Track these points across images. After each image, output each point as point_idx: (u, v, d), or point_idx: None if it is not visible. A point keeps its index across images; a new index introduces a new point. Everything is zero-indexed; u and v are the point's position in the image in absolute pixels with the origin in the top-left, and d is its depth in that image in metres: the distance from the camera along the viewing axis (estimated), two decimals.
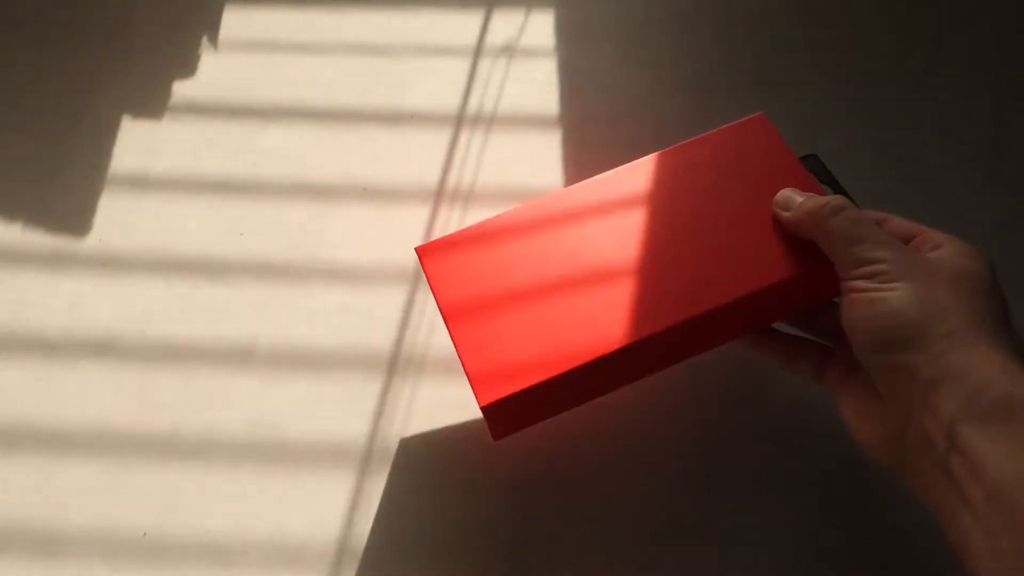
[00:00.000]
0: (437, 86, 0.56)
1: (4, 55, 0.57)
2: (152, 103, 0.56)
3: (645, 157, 0.40)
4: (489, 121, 0.55)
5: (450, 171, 0.53)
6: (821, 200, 0.35)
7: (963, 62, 0.56)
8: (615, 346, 0.35)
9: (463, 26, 0.59)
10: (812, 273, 0.37)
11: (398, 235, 0.50)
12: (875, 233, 0.33)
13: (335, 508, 0.42)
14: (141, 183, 0.53)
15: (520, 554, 0.41)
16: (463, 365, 0.35)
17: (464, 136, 0.54)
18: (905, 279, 0.31)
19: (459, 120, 0.55)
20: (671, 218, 0.38)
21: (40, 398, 0.46)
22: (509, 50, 0.57)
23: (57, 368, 0.47)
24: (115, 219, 0.52)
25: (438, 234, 0.51)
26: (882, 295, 0.31)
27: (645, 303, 0.36)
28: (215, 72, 0.57)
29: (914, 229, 0.36)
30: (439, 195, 0.52)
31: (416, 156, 0.53)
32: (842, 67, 0.56)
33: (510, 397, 0.34)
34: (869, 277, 0.32)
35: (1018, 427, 0.27)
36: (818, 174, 0.40)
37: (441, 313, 0.37)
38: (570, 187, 0.40)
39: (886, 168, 0.52)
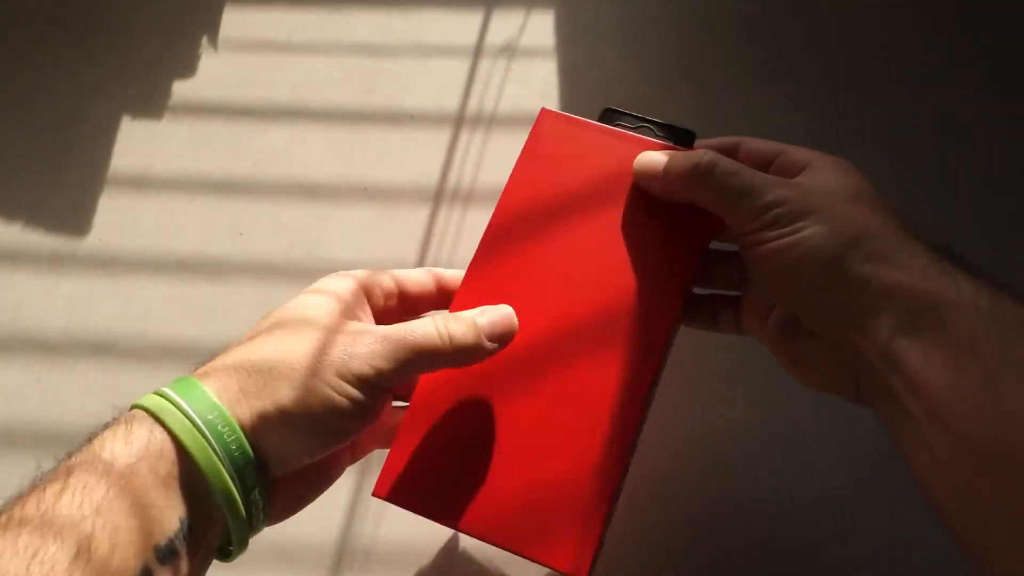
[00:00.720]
0: (437, 86, 0.56)
1: (4, 55, 0.57)
2: (152, 103, 0.56)
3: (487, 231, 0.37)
4: (489, 121, 0.55)
5: (450, 171, 0.53)
6: (687, 161, 0.33)
7: (967, 59, 0.56)
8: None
9: (463, 26, 0.58)
10: (694, 253, 0.35)
11: (398, 235, 0.50)
12: (756, 177, 0.32)
13: (335, 509, 0.42)
14: (141, 183, 0.53)
15: None
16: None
17: (464, 136, 0.54)
18: (806, 216, 0.30)
19: (459, 120, 0.55)
20: (554, 286, 0.35)
21: (40, 398, 0.46)
22: (509, 50, 0.57)
23: (57, 368, 0.47)
24: (115, 219, 0.52)
25: (438, 234, 0.51)
26: (792, 239, 0.30)
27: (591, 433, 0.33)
28: (215, 72, 0.57)
29: (771, 148, 0.36)
30: (439, 195, 0.52)
31: (416, 156, 0.53)
32: (843, 67, 0.56)
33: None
34: (771, 225, 0.31)
35: (947, 334, 0.27)
36: (626, 125, 0.38)
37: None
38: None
39: (886, 167, 0.52)
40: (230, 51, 0.58)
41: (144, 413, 0.28)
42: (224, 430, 0.28)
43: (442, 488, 0.33)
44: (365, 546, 0.41)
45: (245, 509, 0.28)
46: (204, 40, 0.58)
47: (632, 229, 0.36)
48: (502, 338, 0.32)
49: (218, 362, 0.30)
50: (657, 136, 0.38)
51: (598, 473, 0.33)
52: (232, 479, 0.28)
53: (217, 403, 0.28)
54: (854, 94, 0.55)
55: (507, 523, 0.33)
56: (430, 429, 0.34)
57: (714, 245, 0.37)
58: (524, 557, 0.32)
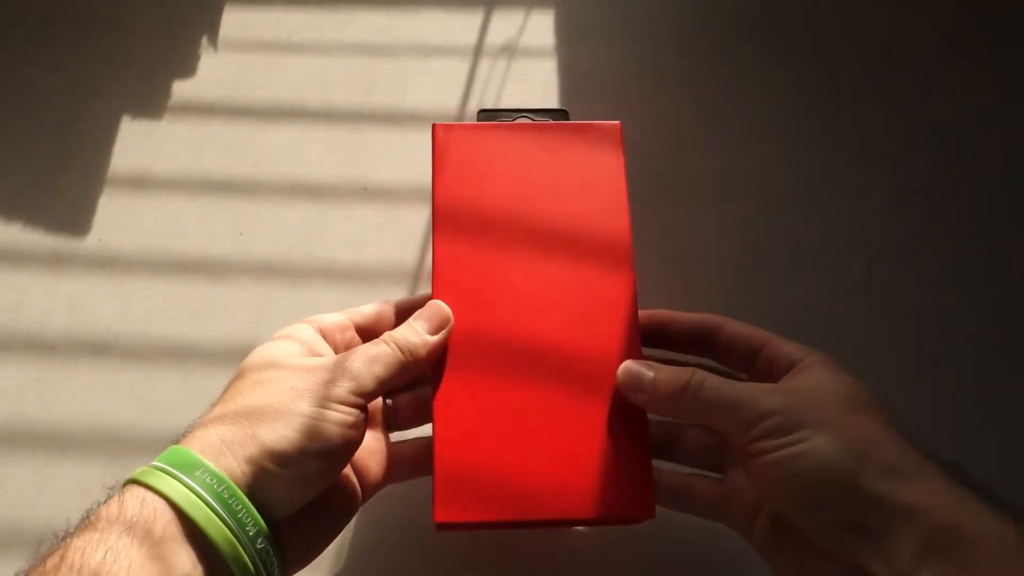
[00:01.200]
0: (437, 86, 0.56)
1: (3, 55, 0.57)
2: (152, 103, 0.56)
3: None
4: None
5: None
6: (676, 381, 0.33)
7: (967, 59, 0.56)
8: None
9: (463, 26, 0.58)
10: (620, 181, 0.38)
11: (398, 235, 0.50)
12: (745, 389, 0.31)
13: None
14: (141, 183, 0.53)
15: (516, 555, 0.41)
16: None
17: None
18: (807, 425, 0.29)
19: (459, 120, 0.55)
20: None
21: (40, 398, 0.46)
22: (509, 50, 0.57)
23: (57, 368, 0.47)
24: (115, 219, 0.52)
25: None
26: (796, 450, 0.29)
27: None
28: (215, 72, 0.57)
29: (756, 337, 0.36)
30: None
31: (416, 156, 0.53)
32: (843, 67, 0.56)
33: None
34: (769, 435, 0.30)
35: (972, 567, 0.25)
36: (506, 119, 0.40)
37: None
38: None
39: (886, 167, 0.52)
40: (230, 51, 0.58)
41: (134, 484, 0.29)
42: (212, 482, 0.28)
43: (493, 490, 0.34)
44: (366, 546, 0.41)
45: (252, 558, 0.28)
46: (204, 40, 0.58)
47: (561, 197, 0.38)
48: (439, 327, 0.35)
49: (198, 424, 0.31)
50: (536, 121, 0.40)
51: (624, 418, 0.35)
52: (230, 528, 0.28)
53: (200, 459, 0.29)
54: (854, 94, 0.55)
55: (565, 498, 0.34)
56: (462, 442, 0.35)
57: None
58: (594, 523, 0.35)
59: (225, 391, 0.33)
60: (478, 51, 0.58)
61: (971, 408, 0.45)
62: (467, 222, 0.38)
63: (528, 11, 0.59)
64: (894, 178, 0.52)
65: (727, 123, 0.54)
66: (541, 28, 0.59)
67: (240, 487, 0.29)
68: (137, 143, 0.54)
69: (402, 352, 0.34)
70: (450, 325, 0.36)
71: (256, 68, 0.57)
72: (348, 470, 0.36)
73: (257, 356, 0.34)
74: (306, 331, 0.36)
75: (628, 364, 0.35)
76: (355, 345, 0.37)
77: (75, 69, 0.57)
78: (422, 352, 0.34)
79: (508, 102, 0.55)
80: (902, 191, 0.52)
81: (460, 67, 0.57)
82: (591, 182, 0.38)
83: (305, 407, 0.30)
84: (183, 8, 0.59)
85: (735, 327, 0.36)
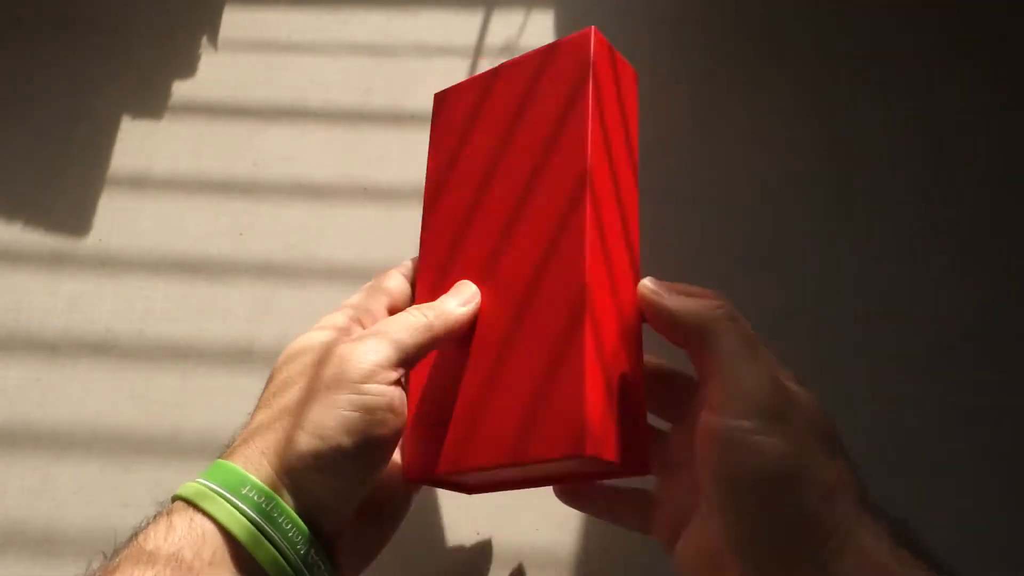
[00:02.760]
0: (437, 86, 0.56)
1: (3, 54, 0.57)
2: (152, 103, 0.56)
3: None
4: None
5: None
6: (710, 304, 0.31)
7: (967, 59, 0.56)
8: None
9: (463, 26, 0.58)
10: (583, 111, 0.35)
11: (398, 235, 0.50)
12: (757, 377, 0.30)
13: None
14: (141, 183, 0.53)
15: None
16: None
17: None
18: (778, 431, 0.28)
19: None
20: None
21: (40, 398, 0.46)
22: (509, 50, 0.57)
23: (57, 368, 0.47)
24: (115, 219, 0.52)
25: None
26: (763, 441, 0.28)
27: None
28: (215, 72, 0.57)
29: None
30: None
31: (416, 156, 0.53)
32: (843, 67, 0.56)
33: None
34: (755, 431, 0.28)
35: None
36: None
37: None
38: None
39: (886, 167, 0.52)
40: (230, 51, 0.58)
41: (182, 503, 0.28)
42: (260, 500, 0.28)
43: (465, 440, 0.32)
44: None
45: (300, 572, 0.28)
46: (204, 40, 0.58)
47: (529, 138, 0.36)
48: (468, 301, 0.34)
49: (240, 436, 0.31)
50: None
51: (614, 361, 0.32)
52: (277, 547, 0.28)
53: (246, 475, 0.28)
54: (854, 94, 0.55)
55: (542, 440, 0.31)
56: (424, 405, 0.34)
57: None
58: (581, 474, 0.33)
59: (262, 394, 0.32)
60: (478, 51, 0.58)
61: (970, 408, 0.45)
62: (447, 186, 0.38)
63: (528, 11, 0.59)
64: (894, 178, 0.52)
65: (726, 123, 0.54)
66: (541, 28, 0.59)
67: (287, 499, 0.28)
68: (137, 143, 0.54)
69: (437, 320, 0.33)
70: (477, 300, 0.35)
71: (256, 68, 0.57)
72: (397, 463, 0.34)
73: (286, 352, 0.33)
74: (339, 318, 0.34)
75: (645, 282, 0.33)
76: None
77: (75, 69, 0.57)
78: (452, 319, 0.33)
79: None
80: (902, 191, 0.51)
81: (460, 67, 0.57)
82: (557, 111, 0.36)
83: (339, 399, 0.29)
84: (183, 8, 0.59)
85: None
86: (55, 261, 0.50)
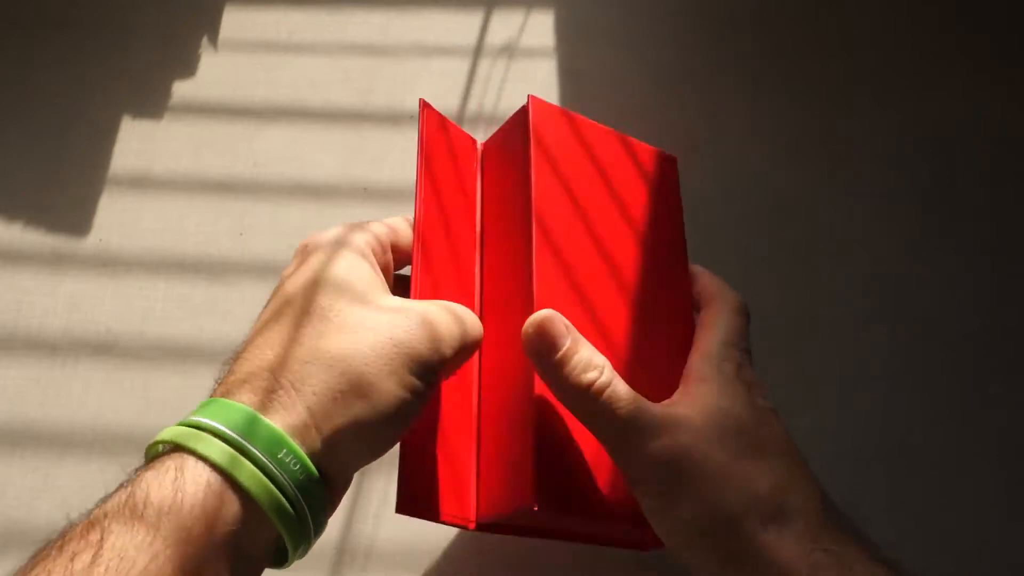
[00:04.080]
0: (437, 86, 0.56)
1: (4, 55, 0.57)
2: (152, 103, 0.56)
3: None
4: (489, 121, 0.55)
5: None
6: (586, 367, 0.28)
7: (967, 59, 0.56)
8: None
9: (463, 26, 0.58)
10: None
11: None
12: (636, 420, 0.28)
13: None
14: (141, 183, 0.53)
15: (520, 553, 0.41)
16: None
17: None
18: (682, 488, 0.27)
19: (459, 120, 0.55)
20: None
21: (40, 398, 0.46)
22: (509, 50, 0.57)
23: (57, 368, 0.47)
24: (115, 219, 0.52)
25: None
26: (669, 514, 0.28)
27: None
28: (215, 72, 0.57)
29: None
30: None
31: (416, 156, 0.53)
32: (843, 67, 0.56)
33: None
34: (648, 496, 0.28)
35: None
36: None
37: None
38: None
39: (886, 167, 0.52)
40: (230, 51, 0.58)
41: (195, 459, 0.23)
42: (297, 470, 0.24)
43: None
44: (365, 546, 0.41)
45: (307, 534, 0.25)
46: (204, 40, 0.58)
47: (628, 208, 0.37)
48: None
49: (262, 370, 0.26)
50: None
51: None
52: (307, 526, 0.25)
53: (285, 437, 0.24)
54: (854, 94, 0.55)
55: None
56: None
57: None
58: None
59: (278, 314, 0.27)
60: (478, 51, 0.58)
61: (971, 408, 0.45)
62: (561, 213, 0.35)
63: (528, 11, 0.59)
64: (894, 178, 0.52)
65: (727, 123, 0.54)
66: (541, 28, 0.59)
67: (318, 466, 0.25)
68: (137, 143, 0.54)
69: (476, 340, 0.30)
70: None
71: (256, 68, 0.57)
72: None
73: (328, 275, 0.28)
74: (369, 245, 0.31)
75: (548, 313, 0.29)
76: (390, 269, 0.33)
77: (75, 69, 0.57)
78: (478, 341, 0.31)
79: (508, 102, 0.55)
80: (902, 191, 0.51)
81: (460, 67, 0.57)
82: (652, 203, 0.38)
83: (401, 373, 0.26)
84: (183, 8, 0.59)
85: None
86: (55, 261, 0.50)
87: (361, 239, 0.30)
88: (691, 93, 0.56)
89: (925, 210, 0.51)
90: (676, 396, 0.31)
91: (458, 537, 0.42)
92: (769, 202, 0.51)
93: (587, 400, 0.28)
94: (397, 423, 0.27)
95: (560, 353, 0.28)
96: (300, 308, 0.27)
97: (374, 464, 0.43)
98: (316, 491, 0.25)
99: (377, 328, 0.26)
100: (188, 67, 0.57)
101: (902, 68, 0.56)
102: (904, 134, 0.53)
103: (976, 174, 0.52)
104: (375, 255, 0.31)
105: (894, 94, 0.55)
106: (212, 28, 0.59)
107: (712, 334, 0.33)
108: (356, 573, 0.41)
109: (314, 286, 0.27)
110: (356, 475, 0.43)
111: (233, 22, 0.59)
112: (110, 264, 0.50)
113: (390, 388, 0.26)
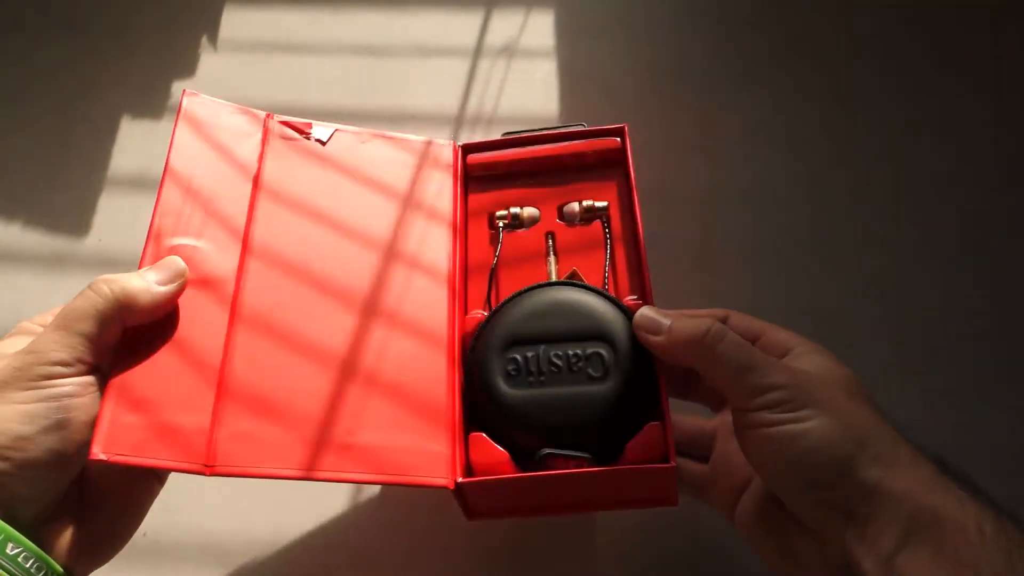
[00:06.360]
0: (437, 86, 0.56)
1: (4, 55, 0.57)
2: (152, 103, 0.56)
3: None
4: (489, 121, 0.55)
5: None
6: (696, 328, 0.32)
7: (967, 59, 0.56)
8: None
9: (463, 26, 0.58)
10: None
11: None
12: (761, 356, 0.31)
13: (334, 510, 0.42)
14: (141, 183, 0.53)
15: (515, 559, 0.41)
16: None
17: (464, 136, 0.54)
18: (811, 404, 0.29)
19: (459, 120, 0.55)
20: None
21: None
22: (509, 50, 0.57)
23: None
24: (115, 219, 0.51)
25: None
26: (799, 428, 0.29)
27: None
28: (215, 72, 0.57)
29: (756, 327, 0.36)
30: None
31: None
32: (842, 67, 0.56)
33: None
34: (773, 406, 0.30)
35: (949, 554, 0.27)
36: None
37: None
38: None
39: (887, 167, 0.52)
40: (230, 51, 0.58)
41: None
42: None
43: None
44: (362, 546, 0.41)
45: (5, 568, 0.27)
46: (204, 40, 0.58)
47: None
48: (171, 279, 0.33)
49: None
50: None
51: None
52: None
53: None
54: (853, 94, 0.55)
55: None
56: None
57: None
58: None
59: None
60: (478, 51, 0.58)
61: (972, 407, 0.45)
62: None
63: (528, 11, 0.59)
64: (895, 178, 0.52)
65: (727, 122, 0.54)
66: (541, 28, 0.59)
67: None
68: (137, 143, 0.54)
69: (114, 295, 0.31)
70: (183, 279, 0.33)
71: (256, 68, 0.57)
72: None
73: None
74: (22, 327, 0.34)
75: (645, 310, 0.34)
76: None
77: (75, 69, 0.57)
78: (144, 298, 0.31)
79: (508, 102, 0.55)
80: (903, 191, 0.51)
81: (460, 67, 0.57)
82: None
83: (11, 394, 0.29)
84: (183, 8, 0.59)
85: (740, 317, 0.37)
86: (55, 261, 0.50)
87: (12, 341, 0.34)
88: (690, 93, 0.56)
89: (926, 210, 0.51)
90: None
91: (458, 537, 0.42)
92: (768, 202, 0.51)
93: (712, 345, 0.31)
94: (32, 430, 0.28)
95: (666, 326, 0.33)
96: None
97: None
98: None
99: None
100: (188, 67, 0.57)
101: (902, 68, 0.56)
102: (904, 134, 0.53)
103: (978, 173, 0.52)
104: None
105: (893, 94, 0.55)
106: (212, 28, 0.59)
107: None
108: (354, 573, 0.41)
109: None
110: None
111: (233, 22, 0.59)
112: (110, 264, 0.50)
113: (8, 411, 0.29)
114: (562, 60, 0.57)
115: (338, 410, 0.33)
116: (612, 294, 0.36)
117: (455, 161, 0.41)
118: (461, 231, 0.39)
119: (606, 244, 0.38)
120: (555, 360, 0.34)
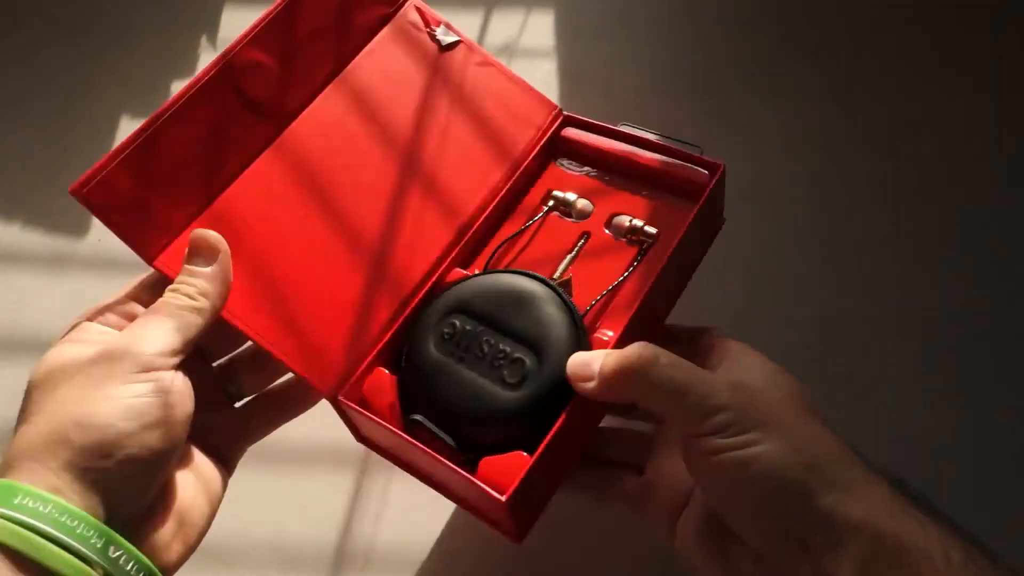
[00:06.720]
0: None
1: (4, 55, 0.57)
2: (152, 103, 0.55)
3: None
4: None
5: None
6: (627, 355, 0.29)
7: (968, 59, 0.56)
8: None
9: (463, 26, 0.58)
10: None
11: None
12: (698, 375, 0.29)
13: (334, 510, 0.42)
14: None
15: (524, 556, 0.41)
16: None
17: None
18: (758, 426, 0.27)
19: None
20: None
21: None
22: (509, 50, 0.57)
23: None
24: None
25: None
26: (749, 453, 0.27)
27: None
28: None
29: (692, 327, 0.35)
30: None
31: None
32: (842, 67, 0.56)
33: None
34: (720, 432, 0.27)
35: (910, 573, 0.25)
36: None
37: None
38: None
39: (887, 166, 0.52)
40: None
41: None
42: (36, 505, 0.25)
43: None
44: (365, 546, 0.41)
45: (105, 570, 0.26)
46: (204, 40, 0.58)
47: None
48: (211, 259, 0.34)
49: (5, 461, 0.28)
50: None
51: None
52: (69, 548, 0.25)
53: (18, 485, 0.26)
54: (853, 94, 0.55)
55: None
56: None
57: None
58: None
59: (18, 419, 0.29)
60: None
61: (972, 407, 0.45)
62: None
63: (528, 11, 0.59)
64: (895, 178, 0.52)
65: (726, 122, 0.54)
66: (541, 28, 0.59)
67: (69, 499, 0.26)
68: None
69: (193, 301, 0.32)
70: (222, 252, 0.33)
71: None
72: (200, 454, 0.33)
73: (40, 368, 0.30)
74: (87, 327, 0.34)
75: (577, 355, 0.31)
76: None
77: (75, 69, 0.57)
78: (214, 295, 0.32)
79: None
80: (903, 191, 0.51)
81: None
82: None
83: (110, 389, 0.28)
84: (183, 8, 0.59)
85: (678, 329, 0.37)
86: (55, 261, 0.50)
87: (84, 328, 0.34)
88: (690, 93, 0.56)
89: (926, 210, 0.51)
90: (719, 371, 0.32)
91: (458, 538, 0.42)
92: (769, 202, 0.51)
93: (646, 372, 0.29)
94: (133, 426, 0.28)
95: (598, 367, 0.30)
96: (24, 403, 0.30)
97: (374, 463, 0.43)
98: (64, 514, 0.26)
99: (76, 378, 0.29)
100: (188, 67, 0.57)
101: (902, 68, 0.56)
102: (904, 134, 0.53)
103: (978, 173, 0.52)
104: (105, 320, 0.34)
105: (893, 94, 0.55)
106: (212, 28, 0.59)
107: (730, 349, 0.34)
108: (356, 573, 0.41)
109: (31, 382, 0.30)
110: (356, 474, 0.43)
111: (233, 22, 0.59)
112: (110, 264, 0.50)
113: (99, 402, 0.28)
114: (562, 60, 0.57)
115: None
116: (591, 318, 0.35)
117: (547, 126, 0.41)
118: (519, 186, 0.40)
119: (629, 267, 0.37)
120: (483, 346, 0.33)
